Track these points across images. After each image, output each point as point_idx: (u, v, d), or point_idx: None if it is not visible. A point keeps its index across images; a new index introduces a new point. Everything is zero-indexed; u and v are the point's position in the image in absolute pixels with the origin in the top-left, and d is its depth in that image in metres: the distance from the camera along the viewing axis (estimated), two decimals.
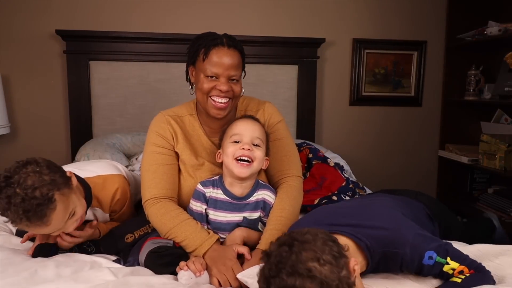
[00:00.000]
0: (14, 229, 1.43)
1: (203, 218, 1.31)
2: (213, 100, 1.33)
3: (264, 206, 1.33)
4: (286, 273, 0.75)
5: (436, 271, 0.99)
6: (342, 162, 2.28)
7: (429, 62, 2.91)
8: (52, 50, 2.51)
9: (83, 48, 2.49)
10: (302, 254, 0.76)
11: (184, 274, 1.10)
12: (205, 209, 1.31)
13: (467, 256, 1.01)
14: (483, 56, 2.81)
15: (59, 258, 1.22)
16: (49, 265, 1.14)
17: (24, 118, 2.55)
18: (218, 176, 1.35)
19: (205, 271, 1.14)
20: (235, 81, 1.35)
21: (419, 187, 2.97)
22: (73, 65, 2.48)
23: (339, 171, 1.91)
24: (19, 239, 1.35)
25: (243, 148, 1.25)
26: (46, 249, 1.26)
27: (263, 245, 1.22)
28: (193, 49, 1.41)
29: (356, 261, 0.83)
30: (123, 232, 1.35)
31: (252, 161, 1.26)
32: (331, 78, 2.84)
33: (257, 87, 2.68)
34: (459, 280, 0.96)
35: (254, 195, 1.32)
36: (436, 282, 1.03)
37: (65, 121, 2.57)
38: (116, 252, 1.35)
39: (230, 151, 1.27)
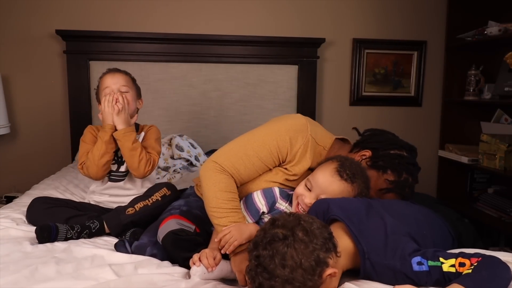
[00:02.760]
0: (14, 225, 1.42)
1: (258, 215, 1.28)
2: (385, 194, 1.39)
3: None
4: (268, 254, 0.88)
5: (438, 276, 0.95)
6: None
7: (429, 62, 2.91)
8: (52, 50, 2.51)
9: (83, 48, 2.49)
10: (289, 249, 0.88)
11: (197, 270, 1.09)
12: (265, 213, 1.28)
13: (460, 251, 0.99)
14: (483, 56, 2.81)
15: (59, 253, 1.22)
16: (49, 262, 1.14)
17: (24, 118, 2.55)
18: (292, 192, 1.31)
19: (218, 266, 1.14)
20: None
21: (419, 187, 2.96)
22: (73, 65, 2.48)
23: None
24: (19, 232, 1.36)
25: None
26: (46, 230, 1.29)
27: None
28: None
29: (335, 271, 0.92)
30: (123, 208, 1.44)
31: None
32: (331, 78, 2.84)
33: (257, 87, 2.68)
34: (470, 271, 0.91)
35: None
36: None
37: (65, 121, 2.57)
38: (119, 229, 1.39)
39: None
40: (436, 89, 2.95)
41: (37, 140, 2.56)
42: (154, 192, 1.50)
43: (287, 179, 1.32)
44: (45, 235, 1.29)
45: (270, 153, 1.28)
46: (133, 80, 1.72)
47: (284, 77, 2.70)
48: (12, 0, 2.44)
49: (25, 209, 1.52)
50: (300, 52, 2.70)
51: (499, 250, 2.39)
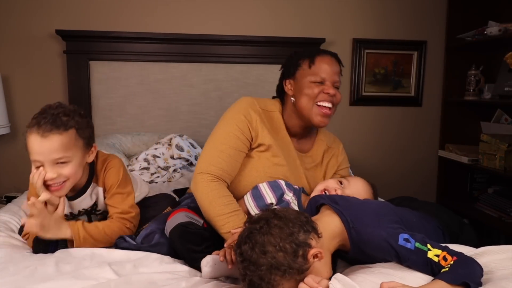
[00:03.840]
0: (14, 233, 1.42)
1: (265, 207, 1.29)
2: (320, 105, 1.35)
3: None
4: (249, 246, 0.92)
5: (421, 261, 0.97)
6: None
7: (429, 62, 2.91)
8: (52, 50, 2.51)
9: (83, 48, 2.49)
10: (265, 236, 0.91)
11: (209, 261, 1.10)
12: (273, 204, 1.32)
13: (446, 246, 1.01)
14: (483, 56, 2.81)
15: (58, 254, 1.21)
16: (49, 262, 1.14)
17: (24, 118, 2.54)
18: (299, 188, 1.37)
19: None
20: (337, 88, 1.38)
21: (419, 187, 2.98)
22: (73, 65, 2.48)
23: None
24: (19, 239, 1.34)
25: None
26: (42, 240, 1.22)
27: None
28: (291, 62, 1.43)
29: (319, 251, 0.94)
30: None
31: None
32: None
33: (257, 87, 2.68)
34: (447, 269, 0.95)
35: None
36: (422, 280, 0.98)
37: None
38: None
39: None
40: (436, 89, 2.95)
41: None
42: (157, 214, 1.41)
43: (268, 159, 1.38)
44: (41, 247, 1.24)
45: (237, 137, 1.34)
46: (78, 128, 1.22)
47: None
48: (12, 0, 2.44)
49: (24, 212, 1.51)
50: None
51: None
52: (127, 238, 1.29)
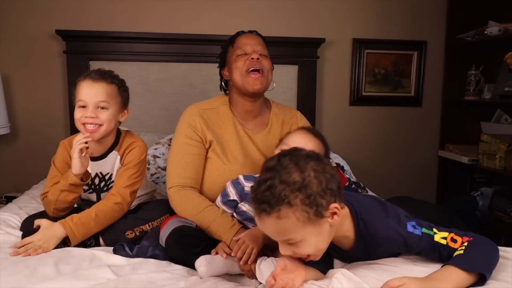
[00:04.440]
0: (15, 230, 1.43)
1: (234, 205, 1.35)
2: (249, 73, 1.45)
3: None
4: (289, 159, 0.89)
5: (429, 244, 0.96)
6: (342, 162, 2.28)
7: (429, 62, 2.91)
8: (52, 50, 2.51)
9: (83, 48, 2.49)
10: (311, 161, 0.89)
11: (202, 261, 1.11)
12: (237, 201, 1.34)
13: (453, 228, 1.00)
14: (483, 56, 2.81)
15: (58, 253, 1.22)
16: (48, 262, 1.14)
17: (24, 118, 2.55)
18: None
19: (223, 259, 1.14)
20: (264, 56, 1.50)
21: (419, 187, 2.98)
22: (73, 65, 2.48)
23: (340, 171, 1.91)
24: (19, 238, 1.34)
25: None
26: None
27: None
28: (221, 54, 1.59)
29: (338, 211, 0.91)
30: (123, 228, 1.39)
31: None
32: (331, 78, 2.84)
33: None
34: (461, 252, 0.91)
35: None
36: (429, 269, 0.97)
37: (65, 121, 2.57)
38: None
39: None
40: (436, 89, 2.95)
41: (37, 140, 2.56)
42: (156, 217, 1.45)
43: (223, 155, 1.46)
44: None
45: (188, 144, 1.45)
46: (120, 86, 1.44)
47: (284, 77, 2.70)
48: (12, 0, 2.44)
49: (24, 211, 1.52)
50: (300, 52, 2.70)
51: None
52: (126, 248, 1.29)
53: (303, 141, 1.29)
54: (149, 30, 2.56)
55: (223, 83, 1.61)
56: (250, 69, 1.44)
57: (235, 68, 1.47)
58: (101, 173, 1.49)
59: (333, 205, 0.90)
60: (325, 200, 0.88)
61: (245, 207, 1.33)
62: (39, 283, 1.03)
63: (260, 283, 1.08)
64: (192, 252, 1.17)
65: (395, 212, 1.04)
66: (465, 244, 0.93)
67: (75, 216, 1.33)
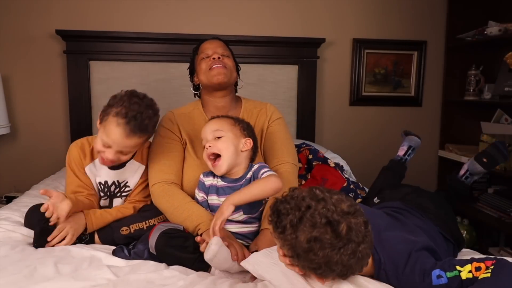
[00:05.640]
0: (15, 226, 1.42)
1: (207, 205, 1.38)
2: (212, 69, 1.53)
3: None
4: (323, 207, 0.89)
5: (457, 285, 0.94)
6: (342, 162, 2.28)
7: (429, 62, 2.91)
8: (52, 50, 2.51)
9: (83, 48, 2.49)
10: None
11: (218, 241, 1.11)
12: (207, 197, 1.37)
13: (470, 258, 0.98)
14: (483, 56, 2.81)
15: (57, 253, 1.22)
16: (48, 262, 1.14)
17: (24, 118, 2.55)
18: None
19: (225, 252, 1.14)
20: (225, 56, 1.58)
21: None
22: (73, 65, 2.48)
23: (339, 171, 1.91)
24: (19, 235, 1.35)
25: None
26: (46, 234, 1.29)
27: (266, 224, 1.28)
28: (190, 61, 1.68)
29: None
30: (119, 225, 1.41)
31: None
32: (331, 78, 2.84)
33: (257, 87, 2.68)
34: (488, 275, 0.90)
35: (248, 173, 1.36)
36: None
37: (65, 121, 2.57)
38: (112, 243, 1.38)
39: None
40: (436, 89, 2.95)
41: (37, 140, 2.56)
42: (152, 216, 1.46)
43: (190, 155, 1.52)
44: (43, 238, 1.28)
45: (166, 142, 1.52)
46: (153, 130, 1.47)
47: (284, 77, 2.70)
48: (12, 0, 2.44)
49: (25, 210, 1.51)
50: (300, 52, 2.70)
51: (499, 250, 2.40)
52: (125, 250, 1.30)
53: (214, 127, 1.36)
54: (149, 30, 2.56)
55: (195, 89, 1.70)
56: (213, 66, 1.53)
57: (200, 70, 1.57)
58: (117, 181, 1.52)
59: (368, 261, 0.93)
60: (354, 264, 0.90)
61: (212, 201, 1.36)
62: (39, 283, 1.03)
63: (260, 281, 1.08)
64: (184, 250, 1.19)
65: (420, 264, 0.99)
66: (492, 268, 0.91)
67: (97, 211, 1.42)
